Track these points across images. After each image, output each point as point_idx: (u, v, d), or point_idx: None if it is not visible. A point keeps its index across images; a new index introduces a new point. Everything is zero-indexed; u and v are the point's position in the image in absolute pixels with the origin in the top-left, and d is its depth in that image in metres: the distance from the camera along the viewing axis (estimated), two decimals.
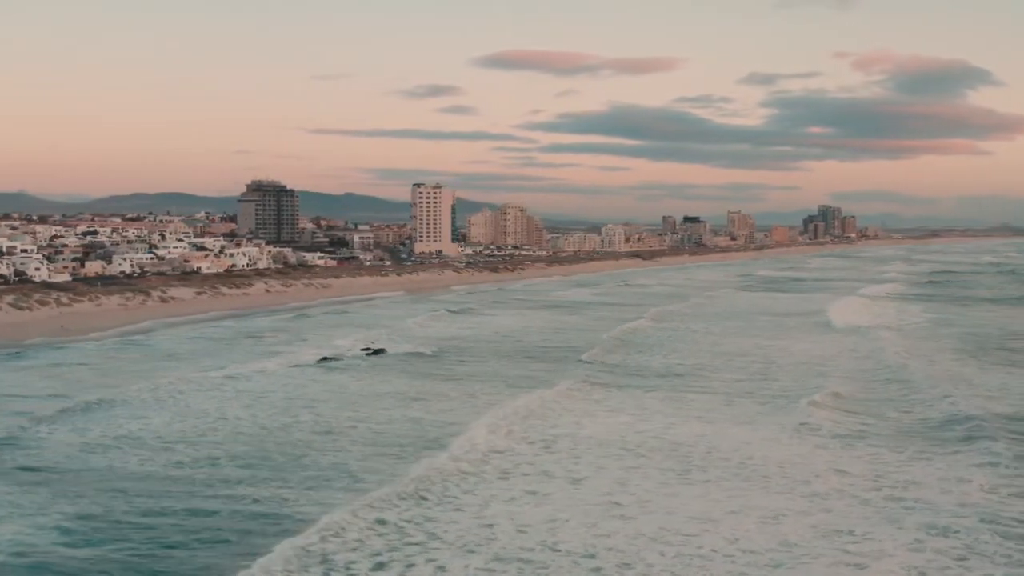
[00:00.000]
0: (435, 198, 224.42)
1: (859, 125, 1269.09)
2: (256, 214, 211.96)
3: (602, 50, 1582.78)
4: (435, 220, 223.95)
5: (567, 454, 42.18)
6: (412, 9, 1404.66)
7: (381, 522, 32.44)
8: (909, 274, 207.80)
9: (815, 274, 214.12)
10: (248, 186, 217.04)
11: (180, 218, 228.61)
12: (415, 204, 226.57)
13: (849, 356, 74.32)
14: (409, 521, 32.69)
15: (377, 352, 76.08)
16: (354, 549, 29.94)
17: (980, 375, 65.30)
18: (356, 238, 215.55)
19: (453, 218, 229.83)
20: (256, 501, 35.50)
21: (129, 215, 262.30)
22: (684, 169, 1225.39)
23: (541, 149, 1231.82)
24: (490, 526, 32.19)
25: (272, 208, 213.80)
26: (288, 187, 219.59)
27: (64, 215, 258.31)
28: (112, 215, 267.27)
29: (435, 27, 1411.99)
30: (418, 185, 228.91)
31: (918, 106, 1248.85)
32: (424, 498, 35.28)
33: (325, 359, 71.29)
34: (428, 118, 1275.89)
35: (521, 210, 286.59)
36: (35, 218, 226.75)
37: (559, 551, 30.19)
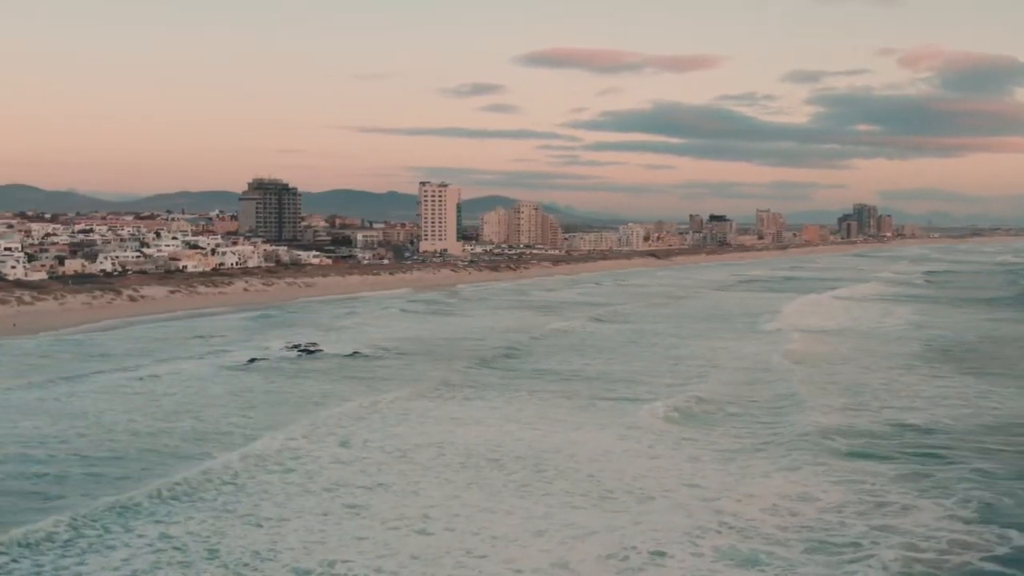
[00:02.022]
0: (440, 196, 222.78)
1: (907, 123, 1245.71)
2: (256, 212, 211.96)
3: (644, 48, 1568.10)
4: (440, 219, 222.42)
5: (420, 465, 40.26)
6: (453, 8, 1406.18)
7: (165, 537, 30.91)
8: (910, 274, 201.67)
9: (815, 273, 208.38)
10: (249, 184, 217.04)
11: (187, 216, 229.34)
12: (420, 202, 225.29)
13: (792, 360, 71.22)
14: (196, 535, 31.09)
15: (312, 353, 74.79)
16: (115, 568, 28.41)
17: (921, 383, 62.20)
18: (360, 236, 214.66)
19: (459, 217, 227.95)
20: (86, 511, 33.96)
21: (144, 213, 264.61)
22: (729, 167, 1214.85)
23: (585, 147, 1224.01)
24: (274, 543, 30.45)
25: (273, 206, 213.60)
26: (290, 185, 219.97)
27: (77, 212, 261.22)
28: (127, 213, 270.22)
29: (477, 26, 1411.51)
30: (424, 183, 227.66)
31: (967, 103, 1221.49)
32: (230, 511, 33.65)
33: (253, 360, 70.09)
34: (472, 117, 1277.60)
35: (535, 208, 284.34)
36: (47, 216, 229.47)
37: (335, 573, 28.45)
